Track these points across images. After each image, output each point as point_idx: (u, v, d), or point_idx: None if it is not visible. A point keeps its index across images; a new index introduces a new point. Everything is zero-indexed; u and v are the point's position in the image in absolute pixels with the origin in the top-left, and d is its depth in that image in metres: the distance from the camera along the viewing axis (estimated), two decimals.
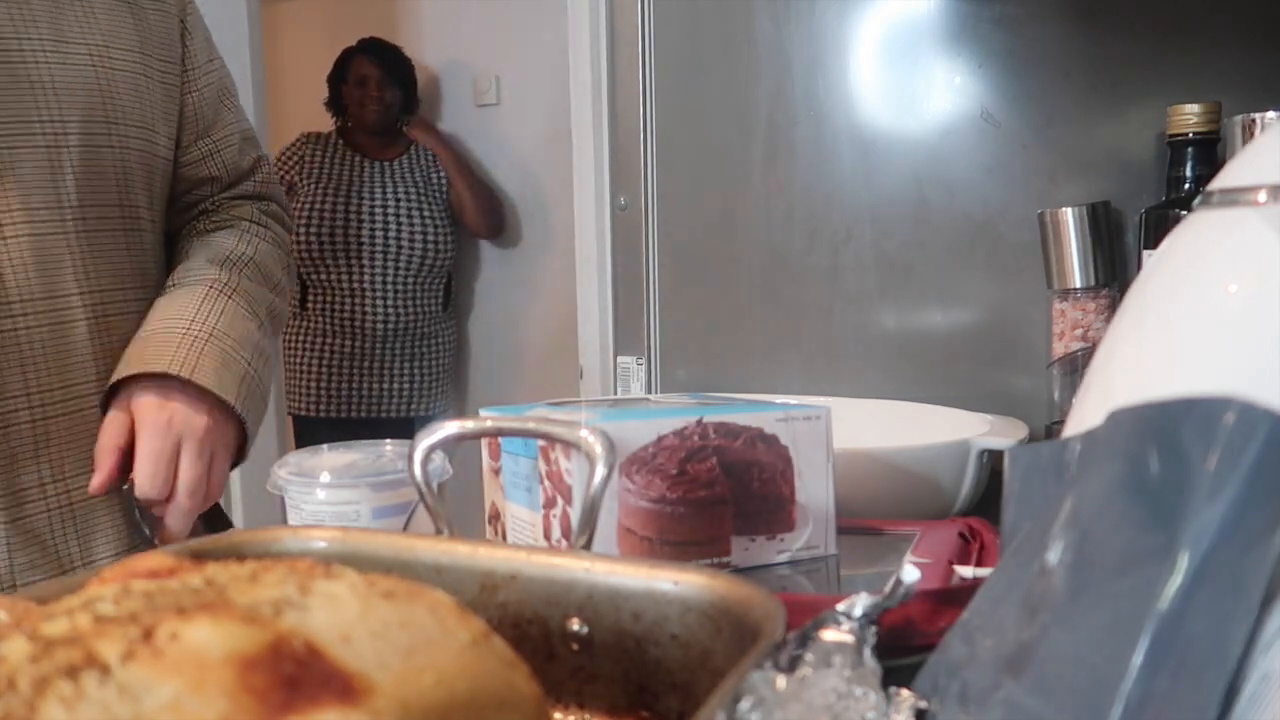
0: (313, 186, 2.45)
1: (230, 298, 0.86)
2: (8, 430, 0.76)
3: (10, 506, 0.77)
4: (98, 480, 0.78)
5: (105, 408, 0.81)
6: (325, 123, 2.62)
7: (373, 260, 2.46)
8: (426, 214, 2.53)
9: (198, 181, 0.93)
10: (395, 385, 2.54)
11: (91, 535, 0.82)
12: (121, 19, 0.84)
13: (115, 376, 0.80)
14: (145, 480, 0.78)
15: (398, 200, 2.49)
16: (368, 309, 2.46)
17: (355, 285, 2.46)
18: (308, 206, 2.42)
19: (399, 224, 2.48)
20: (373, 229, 2.46)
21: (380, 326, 2.48)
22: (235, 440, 0.85)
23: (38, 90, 0.77)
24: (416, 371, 2.57)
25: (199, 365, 0.79)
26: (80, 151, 0.79)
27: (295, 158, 2.49)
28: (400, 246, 2.48)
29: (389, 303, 2.49)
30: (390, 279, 2.48)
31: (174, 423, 0.79)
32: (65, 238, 0.79)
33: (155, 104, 0.86)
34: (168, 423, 0.78)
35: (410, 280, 2.51)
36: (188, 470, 0.79)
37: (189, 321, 0.82)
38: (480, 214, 2.64)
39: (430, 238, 2.52)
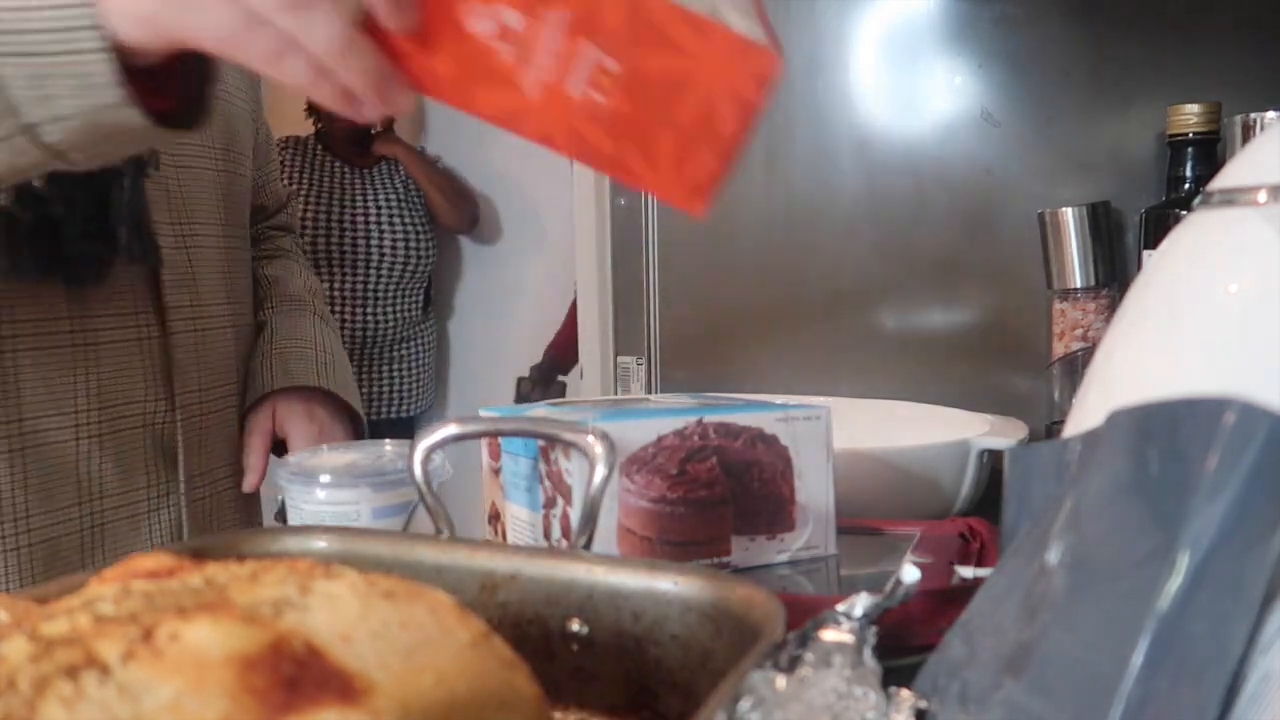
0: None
1: (326, 323, 0.99)
2: (188, 421, 0.84)
3: (188, 490, 0.84)
4: (254, 479, 0.89)
5: (244, 414, 0.91)
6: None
7: (354, 269, 2.45)
8: (408, 220, 2.52)
9: (253, 209, 1.01)
10: (377, 388, 2.54)
11: (220, 528, 0.89)
12: None
13: (268, 387, 0.90)
14: None
15: (378, 208, 2.48)
16: (347, 316, 2.45)
17: (335, 293, 2.44)
18: None
19: (380, 232, 2.47)
20: (354, 237, 2.45)
21: (360, 333, 2.48)
22: None
23: None
24: (398, 374, 2.57)
25: (335, 381, 0.93)
26: (225, 176, 0.88)
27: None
28: (382, 254, 2.47)
29: (369, 309, 2.48)
30: (370, 286, 2.47)
31: (322, 432, 0.91)
32: (218, 252, 0.88)
33: (249, 136, 0.95)
34: (318, 433, 0.91)
35: (391, 287, 2.50)
36: None
37: (313, 342, 0.95)
38: (451, 211, 2.63)
39: (411, 245, 2.51)
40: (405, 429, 2.51)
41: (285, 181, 2.46)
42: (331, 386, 0.92)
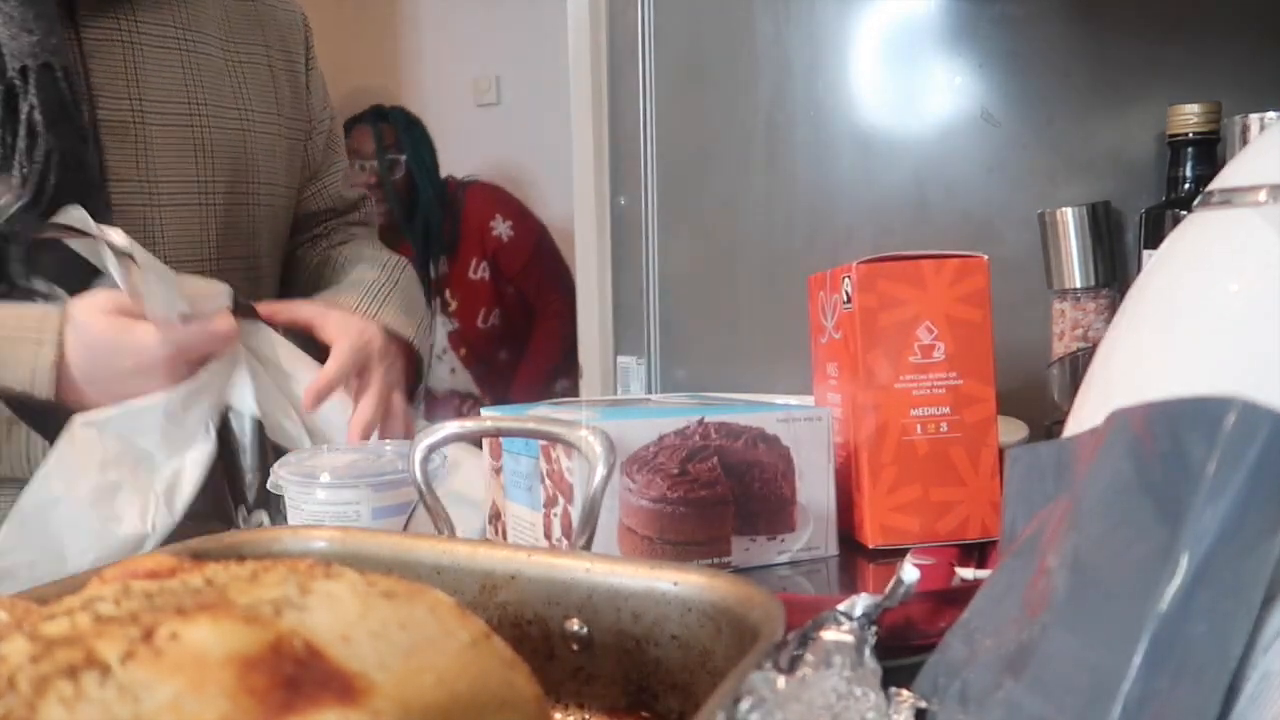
0: None
1: (399, 270, 0.97)
2: None
3: None
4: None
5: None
6: None
7: None
8: None
9: (309, 214, 1.01)
10: None
11: None
12: (264, 84, 0.92)
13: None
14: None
15: None
16: None
17: None
18: None
19: None
20: None
21: None
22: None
23: (199, 153, 0.85)
24: None
25: (390, 308, 0.89)
26: (223, 210, 0.87)
27: None
28: None
29: None
30: None
31: (370, 341, 0.85)
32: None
33: (282, 161, 0.94)
34: (362, 330, 0.85)
35: None
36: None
37: (367, 278, 0.93)
38: None
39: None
40: None
41: None
42: (381, 314, 0.88)
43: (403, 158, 2.20)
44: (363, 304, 0.89)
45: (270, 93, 0.92)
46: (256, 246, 0.93)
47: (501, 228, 2.19)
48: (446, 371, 2.25)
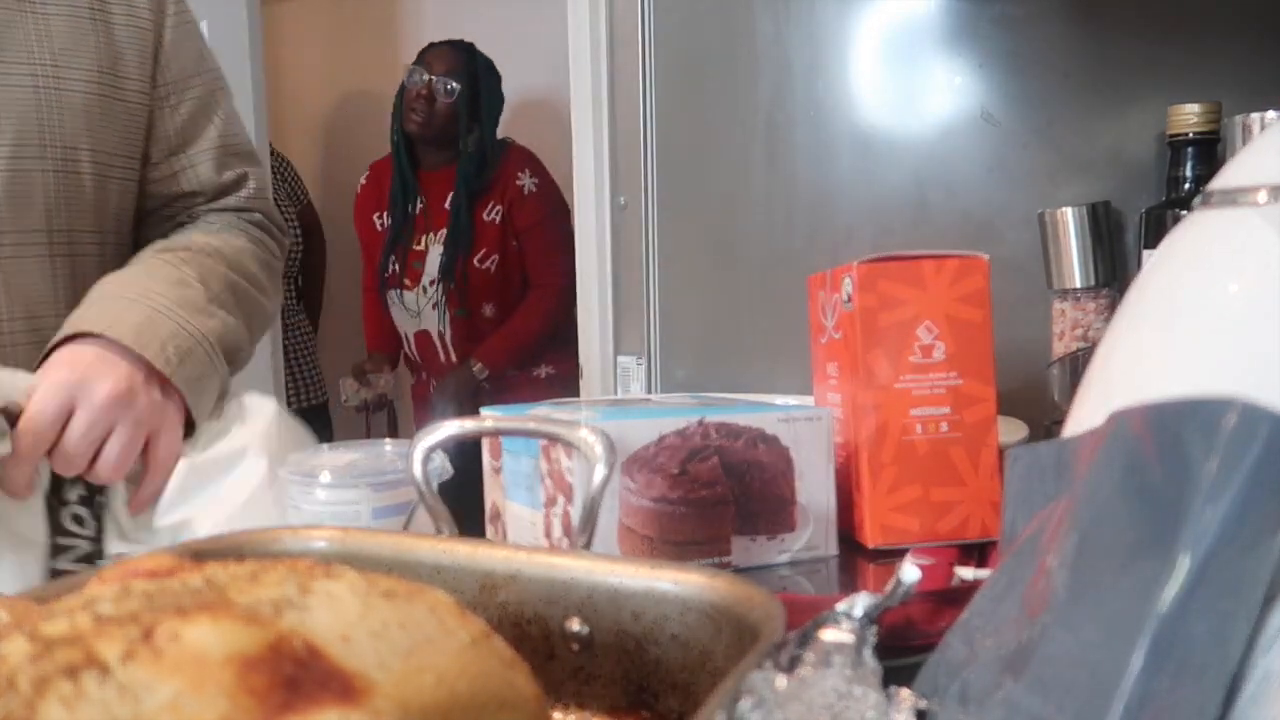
0: None
1: (186, 265, 0.82)
2: None
3: None
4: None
5: None
6: (322, 123, 2.62)
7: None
8: None
9: (170, 197, 0.91)
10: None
11: None
12: (83, 36, 0.82)
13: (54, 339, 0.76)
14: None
15: None
16: None
17: None
18: None
19: None
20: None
21: None
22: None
23: None
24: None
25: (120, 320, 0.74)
26: (4, 176, 0.78)
27: None
28: None
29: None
30: None
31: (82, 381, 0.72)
32: (35, 261, 0.78)
33: (113, 124, 0.85)
34: (74, 381, 0.72)
35: None
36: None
37: (131, 282, 0.79)
38: None
39: None
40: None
41: None
42: (109, 331, 0.73)
43: (459, 88, 2.20)
44: (96, 312, 0.75)
45: (89, 48, 0.83)
46: (69, 220, 0.83)
47: (527, 181, 2.24)
48: (429, 305, 2.25)
